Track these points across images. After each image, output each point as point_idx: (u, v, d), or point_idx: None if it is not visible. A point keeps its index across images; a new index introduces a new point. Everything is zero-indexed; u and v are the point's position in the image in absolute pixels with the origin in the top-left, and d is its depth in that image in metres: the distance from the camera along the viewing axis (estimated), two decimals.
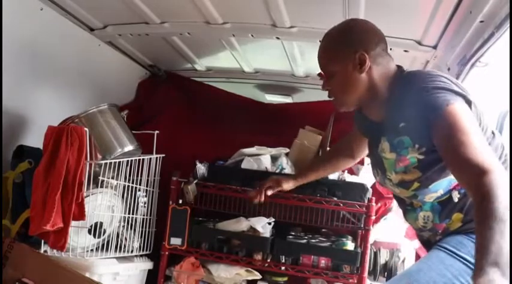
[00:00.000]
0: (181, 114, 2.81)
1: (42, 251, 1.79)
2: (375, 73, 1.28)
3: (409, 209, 1.36)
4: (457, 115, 1.11)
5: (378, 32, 1.32)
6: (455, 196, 1.25)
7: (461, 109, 1.13)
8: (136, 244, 2.16)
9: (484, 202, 0.97)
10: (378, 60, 1.28)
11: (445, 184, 1.24)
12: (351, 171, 2.39)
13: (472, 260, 1.12)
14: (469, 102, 1.17)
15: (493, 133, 1.27)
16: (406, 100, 1.20)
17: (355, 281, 2.04)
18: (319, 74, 1.40)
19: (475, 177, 1.02)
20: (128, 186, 2.11)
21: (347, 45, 1.29)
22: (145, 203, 2.22)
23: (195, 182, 2.22)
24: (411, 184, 1.27)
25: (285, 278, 2.21)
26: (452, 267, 1.16)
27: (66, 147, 1.76)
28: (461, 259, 1.16)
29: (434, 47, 1.91)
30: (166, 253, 2.22)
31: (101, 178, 1.94)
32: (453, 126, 1.10)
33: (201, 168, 2.27)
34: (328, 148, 2.25)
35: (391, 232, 2.23)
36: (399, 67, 1.33)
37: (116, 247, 2.07)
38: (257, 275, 2.16)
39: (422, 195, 1.28)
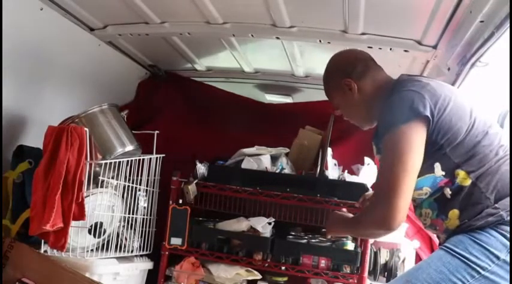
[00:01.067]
0: (182, 114, 2.81)
1: (42, 251, 1.79)
2: (366, 89, 1.46)
3: (415, 206, 1.42)
4: (397, 142, 1.24)
5: (351, 55, 1.54)
6: (447, 193, 1.29)
7: (403, 136, 1.24)
8: (136, 244, 2.16)
9: (362, 215, 1.43)
10: (362, 78, 1.46)
11: (429, 181, 1.31)
12: (351, 171, 2.39)
13: (469, 256, 1.18)
14: (426, 116, 1.25)
15: (486, 131, 1.29)
16: (382, 110, 1.34)
17: (355, 281, 2.04)
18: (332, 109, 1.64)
19: (375, 202, 1.30)
20: (128, 186, 2.11)
21: (333, 80, 1.53)
22: (145, 201, 2.22)
23: (195, 182, 2.22)
24: None
25: (285, 278, 2.22)
26: (450, 264, 1.20)
27: (66, 147, 1.75)
28: (458, 256, 1.20)
29: (434, 47, 1.91)
30: (167, 253, 2.22)
31: (101, 178, 1.93)
32: (389, 153, 1.27)
33: (201, 168, 2.27)
34: (328, 149, 2.25)
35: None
36: (401, 75, 1.44)
37: (116, 247, 2.07)
38: (257, 275, 2.16)
39: None
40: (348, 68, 1.48)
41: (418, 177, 1.28)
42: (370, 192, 1.98)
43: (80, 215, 1.76)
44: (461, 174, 1.26)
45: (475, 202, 1.24)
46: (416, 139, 1.25)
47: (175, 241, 2.18)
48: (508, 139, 1.32)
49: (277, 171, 2.25)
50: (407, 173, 1.22)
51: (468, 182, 1.25)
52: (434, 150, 1.28)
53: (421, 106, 1.25)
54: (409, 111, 1.25)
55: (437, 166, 1.29)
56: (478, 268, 1.17)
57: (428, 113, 1.24)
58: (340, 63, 1.54)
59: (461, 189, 1.26)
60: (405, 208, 1.22)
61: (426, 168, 1.29)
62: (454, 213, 1.27)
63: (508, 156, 1.28)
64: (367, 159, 2.32)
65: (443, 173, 1.28)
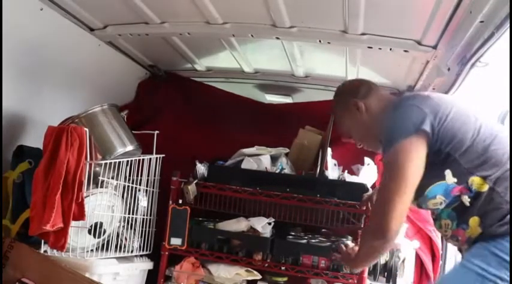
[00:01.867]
0: (181, 114, 2.81)
1: (42, 251, 1.79)
2: (372, 107, 1.53)
3: (434, 219, 1.43)
4: (396, 157, 1.29)
5: (355, 81, 1.69)
6: (466, 201, 1.28)
7: (403, 151, 1.29)
8: (136, 244, 2.16)
9: (364, 236, 1.47)
10: (367, 98, 1.54)
11: (440, 188, 1.31)
12: (351, 171, 2.39)
13: (487, 268, 1.16)
14: (425, 131, 1.28)
15: (495, 135, 1.30)
16: (384, 126, 1.39)
17: (355, 282, 2.04)
18: (344, 138, 1.77)
19: (374, 224, 1.36)
20: (128, 186, 2.11)
21: (341, 104, 1.61)
22: (145, 201, 2.22)
23: (195, 182, 2.22)
24: None
25: (285, 278, 2.22)
26: (467, 274, 1.20)
27: (66, 147, 1.75)
28: (475, 267, 1.19)
29: (434, 47, 1.90)
30: (166, 253, 2.22)
31: (100, 178, 1.94)
32: (389, 167, 1.33)
33: (201, 168, 2.27)
34: (328, 149, 2.25)
35: None
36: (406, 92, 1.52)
37: (116, 247, 2.07)
38: (257, 275, 2.16)
39: (424, 203, 1.36)
40: (353, 91, 1.58)
41: (429, 185, 1.31)
42: (370, 192, 1.98)
43: (80, 215, 1.76)
44: (476, 180, 1.26)
45: (496, 207, 1.23)
46: (414, 154, 1.28)
47: (175, 241, 2.18)
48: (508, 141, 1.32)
49: (277, 171, 2.25)
50: (403, 185, 1.27)
51: (486, 187, 1.25)
52: (441, 159, 1.29)
53: (420, 121, 1.28)
54: (408, 126, 1.29)
55: (448, 173, 1.29)
56: (496, 280, 1.15)
57: (426, 127, 1.28)
58: (345, 89, 1.66)
59: (479, 195, 1.25)
60: (399, 218, 1.27)
61: (437, 175, 1.30)
62: (474, 220, 1.26)
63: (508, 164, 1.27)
64: (367, 159, 2.32)
65: (455, 180, 1.29)
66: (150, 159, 2.23)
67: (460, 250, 1.41)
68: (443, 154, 1.29)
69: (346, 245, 1.76)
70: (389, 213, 1.26)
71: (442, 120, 1.29)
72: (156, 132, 2.24)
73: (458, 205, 1.30)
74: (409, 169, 1.27)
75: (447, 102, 1.34)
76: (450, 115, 1.30)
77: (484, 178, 1.25)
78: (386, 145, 1.34)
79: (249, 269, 2.15)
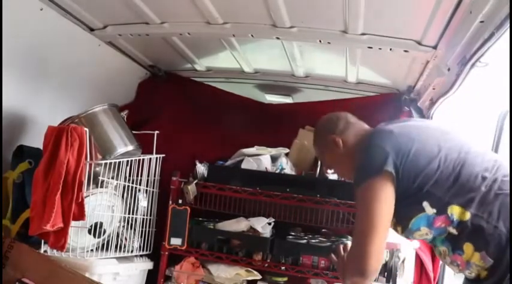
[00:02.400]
0: (181, 114, 2.81)
1: (42, 251, 1.79)
2: (349, 143, 1.55)
3: (433, 246, 1.44)
4: (363, 198, 1.32)
5: (333, 116, 1.66)
6: (453, 231, 1.29)
7: (368, 192, 1.31)
8: (136, 244, 2.17)
9: (346, 269, 1.38)
10: (344, 133, 1.57)
11: (423, 220, 1.31)
12: None
13: None
14: (388, 171, 1.29)
15: (464, 159, 1.30)
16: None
17: None
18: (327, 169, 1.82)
19: (352, 259, 1.35)
20: (128, 186, 2.11)
21: (320, 140, 1.65)
22: (145, 201, 2.22)
23: (195, 182, 2.22)
24: (397, 229, 1.40)
25: (285, 279, 2.22)
26: None
27: (66, 147, 1.76)
28: None
29: (434, 47, 1.90)
30: (166, 253, 2.22)
31: (100, 178, 1.94)
32: (359, 208, 1.35)
33: (201, 168, 2.27)
34: None
35: (391, 232, 2.23)
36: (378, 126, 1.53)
37: (116, 247, 2.07)
38: (257, 276, 2.16)
39: (410, 235, 1.38)
40: (331, 127, 1.61)
41: (412, 218, 1.31)
42: None
43: (80, 215, 1.76)
44: (455, 209, 1.26)
45: (486, 233, 1.22)
46: (381, 194, 1.29)
47: (175, 241, 2.18)
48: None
49: (277, 171, 2.25)
50: (372, 226, 1.28)
51: (467, 215, 1.25)
52: (413, 193, 1.30)
53: (382, 161, 1.29)
54: (371, 167, 1.32)
55: (427, 205, 1.30)
56: None
57: (389, 167, 1.29)
58: (324, 124, 1.68)
59: (464, 223, 1.25)
60: (377, 257, 1.28)
61: (416, 208, 1.30)
62: (468, 246, 1.26)
63: (499, 176, 1.27)
64: None
65: (435, 210, 1.29)
66: (150, 159, 2.23)
67: (463, 274, 1.37)
68: (414, 189, 1.30)
69: (345, 246, 1.76)
70: (365, 255, 1.27)
71: (404, 157, 1.30)
72: (156, 132, 2.24)
73: (449, 234, 1.30)
74: (376, 210, 1.29)
75: (409, 137, 1.35)
76: (412, 150, 1.31)
77: (463, 206, 1.25)
78: (354, 186, 1.36)
79: (249, 269, 2.16)
